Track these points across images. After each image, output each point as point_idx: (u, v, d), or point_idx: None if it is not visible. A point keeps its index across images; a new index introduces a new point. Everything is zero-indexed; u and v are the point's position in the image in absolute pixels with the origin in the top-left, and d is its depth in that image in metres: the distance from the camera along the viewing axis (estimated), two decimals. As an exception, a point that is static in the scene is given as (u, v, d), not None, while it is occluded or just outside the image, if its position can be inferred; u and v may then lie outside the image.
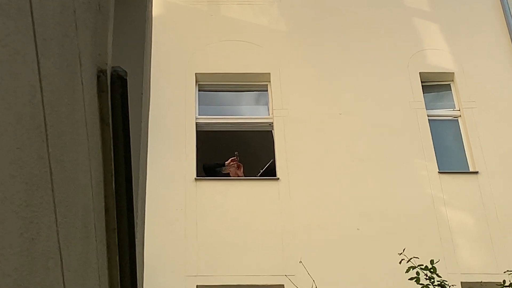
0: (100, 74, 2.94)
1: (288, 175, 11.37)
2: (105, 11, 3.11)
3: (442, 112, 12.46)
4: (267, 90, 12.47)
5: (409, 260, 7.90)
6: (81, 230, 2.52)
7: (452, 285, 8.28)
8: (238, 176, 11.87)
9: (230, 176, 11.89)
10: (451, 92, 12.62)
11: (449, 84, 12.70)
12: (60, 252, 2.12)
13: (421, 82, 12.46)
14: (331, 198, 11.15)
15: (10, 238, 1.65)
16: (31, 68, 1.83)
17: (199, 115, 12.14)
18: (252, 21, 13.16)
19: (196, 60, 12.53)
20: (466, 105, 12.24)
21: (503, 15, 13.16)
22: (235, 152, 12.05)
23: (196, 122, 11.95)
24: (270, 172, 11.71)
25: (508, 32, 12.94)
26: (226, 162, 12.02)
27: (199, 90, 12.43)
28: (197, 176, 11.36)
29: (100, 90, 2.93)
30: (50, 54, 2.04)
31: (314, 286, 9.52)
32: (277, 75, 12.40)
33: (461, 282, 10.14)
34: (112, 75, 3.08)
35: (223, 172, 11.97)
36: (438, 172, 11.48)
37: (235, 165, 11.94)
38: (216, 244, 10.68)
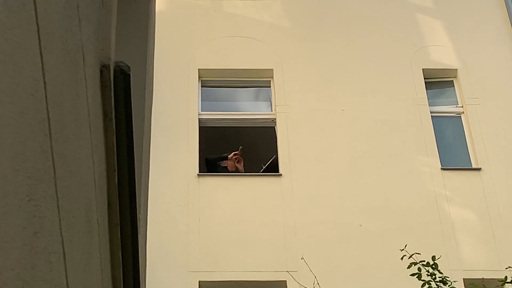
0: (103, 69, 2.93)
1: (290, 171, 11.36)
2: (109, 6, 3.11)
3: (445, 109, 12.45)
4: (269, 86, 12.47)
5: (410, 256, 7.90)
6: (84, 225, 2.52)
7: (454, 281, 8.28)
8: (237, 170, 11.86)
9: (229, 170, 11.88)
10: (454, 88, 12.61)
11: (452, 80, 12.68)
12: (63, 247, 2.12)
13: (424, 78, 12.45)
14: (334, 194, 11.15)
15: (13, 232, 1.65)
16: (34, 61, 1.83)
17: (202, 111, 12.14)
18: (255, 17, 13.15)
19: (199, 56, 12.53)
20: (469, 101, 12.23)
21: (507, 12, 13.14)
22: (239, 147, 12.03)
23: (199, 118, 11.95)
24: (273, 168, 11.70)
25: (511, 28, 12.92)
26: (229, 156, 12.01)
27: (202, 86, 12.42)
28: (199, 172, 11.36)
29: (103, 85, 2.93)
30: (53, 48, 2.04)
31: (316, 282, 9.52)
32: (280, 71, 12.39)
33: (464, 279, 10.13)
34: (115, 70, 3.08)
35: (222, 165, 11.95)
36: (441, 168, 11.47)
37: (236, 159, 11.93)
38: (218, 240, 10.68)
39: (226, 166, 11.92)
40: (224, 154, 12.12)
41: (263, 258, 10.55)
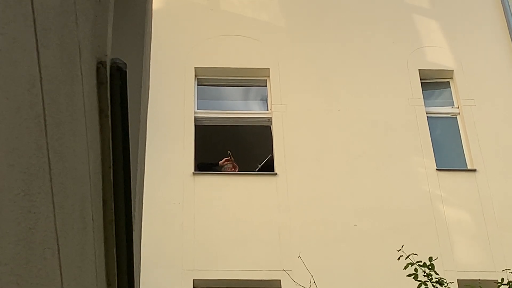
0: (100, 65, 2.93)
1: (286, 171, 11.36)
2: (105, 3, 3.11)
3: (441, 110, 12.45)
4: (266, 85, 12.46)
5: (407, 257, 7.91)
6: (78, 221, 2.52)
7: (450, 282, 8.29)
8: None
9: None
10: (450, 89, 12.62)
11: (448, 81, 12.69)
12: (58, 242, 2.11)
13: (420, 79, 12.45)
14: (329, 194, 11.15)
15: (8, 227, 1.65)
16: (30, 57, 1.83)
17: (198, 109, 12.13)
18: (252, 16, 13.15)
19: (195, 54, 12.52)
20: (465, 102, 12.24)
21: (503, 13, 13.15)
22: (228, 152, 12.03)
23: (194, 117, 11.94)
24: (268, 167, 11.70)
25: (507, 29, 12.93)
26: (220, 162, 12.00)
27: (198, 85, 12.42)
28: (195, 171, 11.36)
29: (100, 82, 2.93)
30: (50, 44, 2.04)
31: (312, 281, 9.53)
32: (276, 71, 12.39)
33: (458, 280, 10.14)
34: (111, 66, 3.08)
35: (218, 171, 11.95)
36: (436, 169, 11.47)
37: (231, 165, 11.92)
38: (213, 238, 10.68)
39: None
40: (215, 161, 12.09)
41: (258, 257, 10.55)
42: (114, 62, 3.10)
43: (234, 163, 11.95)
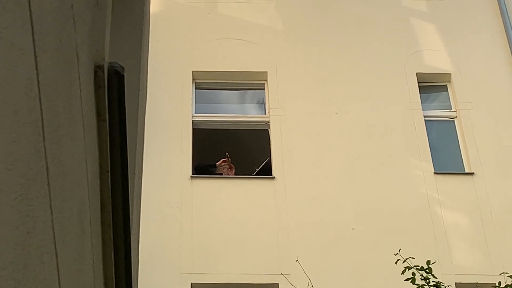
0: (98, 69, 2.93)
1: (284, 174, 11.37)
2: (103, 7, 3.11)
3: (439, 113, 12.47)
4: (264, 89, 12.47)
5: (405, 261, 7.91)
6: (76, 225, 2.52)
7: (448, 286, 8.29)
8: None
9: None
10: (448, 92, 12.63)
11: (446, 85, 12.71)
12: (55, 247, 2.11)
13: (418, 82, 12.46)
14: (327, 197, 11.16)
15: (6, 231, 1.64)
16: (28, 61, 1.83)
17: (195, 113, 12.14)
18: (250, 20, 13.16)
19: (193, 58, 12.52)
20: (463, 106, 12.25)
21: (500, 16, 13.17)
22: (225, 153, 12.04)
23: (192, 120, 11.95)
24: (266, 171, 11.71)
25: (505, 33, 12.95)
26: (217, 163, 12.00)
27: (196, 88, 12.42)
28: (193, 174, 11.36)
29: (97, 86, 2.93)
30: (48, 48, 2.04)
31: (310, 285, 9.52)
32: (274, 74, 12.39)
33: (456, 283, 10.14)
34: (109, 70, 3.08)
35: (215, 172, 11.96)
36: (434, 172, 11.48)
37: (227, 166, 11.93)
38: (211, 242, 10.68)
39: (221, 174, 11.92)
40: (213, 162, 12.10)
41: (256, 261, 10.55)
42: (112, 66, 3.10)
43: (231, 164, 11.96)
